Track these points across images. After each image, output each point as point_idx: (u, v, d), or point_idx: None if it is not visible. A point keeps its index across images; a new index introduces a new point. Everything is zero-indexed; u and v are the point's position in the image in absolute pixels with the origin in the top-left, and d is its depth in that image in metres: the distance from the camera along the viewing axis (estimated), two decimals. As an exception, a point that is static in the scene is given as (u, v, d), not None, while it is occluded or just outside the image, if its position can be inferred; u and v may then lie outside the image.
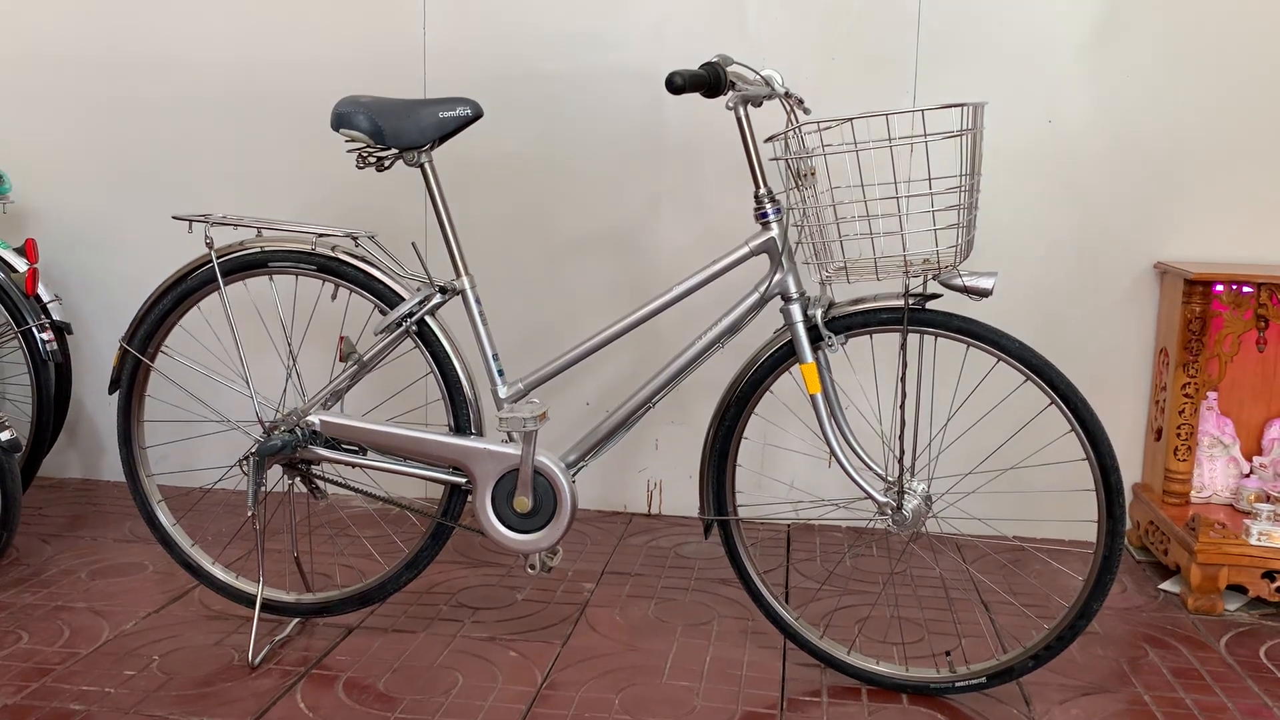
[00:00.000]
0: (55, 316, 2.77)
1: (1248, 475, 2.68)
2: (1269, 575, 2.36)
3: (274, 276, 2.14)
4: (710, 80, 1.85)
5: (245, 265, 2.11)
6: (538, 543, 2.04)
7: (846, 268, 1.85)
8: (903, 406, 1.92)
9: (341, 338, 2.11)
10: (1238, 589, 2.41)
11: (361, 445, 2.09)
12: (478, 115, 2.05)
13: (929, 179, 1.77)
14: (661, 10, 2.78)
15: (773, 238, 1.94)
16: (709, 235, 2.84)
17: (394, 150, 2.03)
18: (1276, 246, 2.69)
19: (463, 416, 2.08)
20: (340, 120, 2.01)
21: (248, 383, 2.15)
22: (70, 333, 2.86)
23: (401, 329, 2.06)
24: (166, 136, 3.02)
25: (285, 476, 2.17)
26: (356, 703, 1.93)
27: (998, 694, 2.01)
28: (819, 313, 1.91)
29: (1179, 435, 2.59)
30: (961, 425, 2.63)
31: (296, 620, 2.25)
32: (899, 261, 1.81)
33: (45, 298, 2.78)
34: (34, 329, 2.69)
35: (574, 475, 2.05)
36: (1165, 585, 2.55)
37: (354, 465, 2.11)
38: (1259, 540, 2.37)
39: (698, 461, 2.11)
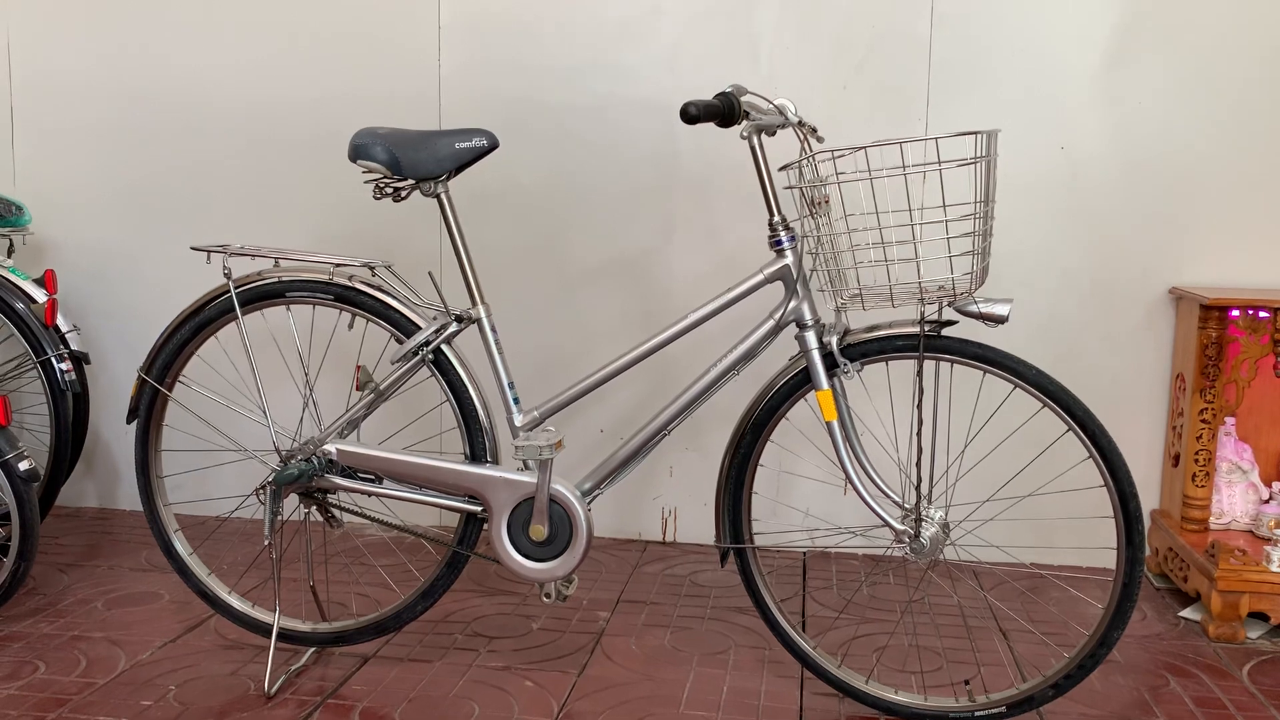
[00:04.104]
0: (73, 347, 2.78)
1: (1267, 501, 2.66)
2: (1291, 603, 2.34)
3: (291, 306, 2.16)
4: (724, 110, 1.87)
5: (263, 295, 2.13)
6: (553, 571, 2.03)
7: (862, 295, 1.86)
8: (919, 433, 1.92)
9: (358, 367, 2.12)
10: (1259, 616, 2.38)
11: (377, 474, 2.10)
12: (493, 146, 2.06)
13: (943, 206, 1.78)
14: (675, 41, 2.80)
15: (787, 265, 1.95)
16: (723, 263, 2.84)
17: (411, 181, 2.05)
18: (1292, 271, 2.68)
19: (478, 445, 2.08)
20: (358, 151, 2.04)
21: (265, 412, 2.16)
22: (88, 363, 2.88)
23: (418, 358, 2.07)
24: (185, 168, 3.05)
25: (301, 505, 2.17)
26: (372, 733, 1.93)
27: (1018, 723, 2.00)
28: (834, 340, 1.91)
29: (1197, 461, 2.57)
30: (978, 452, 2.62)
31: (312, 649, 2.25)
32: (914, 288, 1.82)
33: (64, 328, 2.80)
34: (53, 359, 2.71)
35: (589, 503, 2.05)
36: (1185, 613, 2.53)
37: (370, 494, 2.11)
38: (1280, 567, 2.35)
39: (713, 489, 2.11)
